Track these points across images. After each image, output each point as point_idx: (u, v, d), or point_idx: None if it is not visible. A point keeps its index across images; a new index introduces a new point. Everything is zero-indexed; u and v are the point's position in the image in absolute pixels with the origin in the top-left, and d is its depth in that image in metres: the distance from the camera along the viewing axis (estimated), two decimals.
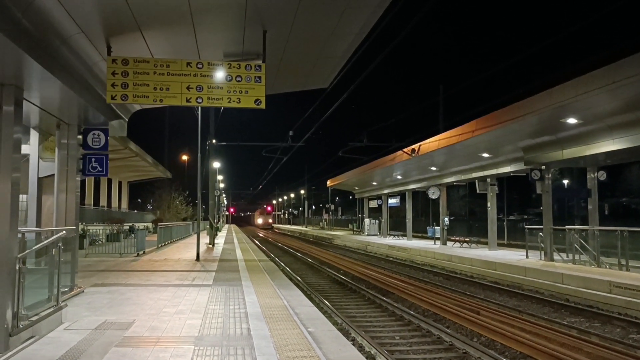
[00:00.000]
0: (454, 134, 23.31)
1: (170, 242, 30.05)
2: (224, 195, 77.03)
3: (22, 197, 10.40)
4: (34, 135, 10.97)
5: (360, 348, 9.52)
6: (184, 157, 58.83)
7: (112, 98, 8.62)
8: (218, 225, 43.14)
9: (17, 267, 6.61)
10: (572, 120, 16.19)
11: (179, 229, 36.16)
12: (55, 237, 7.65)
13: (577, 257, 18.30)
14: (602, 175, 20.18)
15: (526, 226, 22.50)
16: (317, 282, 19.40)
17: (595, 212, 19.67)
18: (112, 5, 7.35)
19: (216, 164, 32.87)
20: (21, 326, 6.64)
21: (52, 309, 7.62)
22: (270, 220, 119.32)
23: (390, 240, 38.27)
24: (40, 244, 7.70)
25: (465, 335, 10.72)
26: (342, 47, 10.27)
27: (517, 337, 9.78)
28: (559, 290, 15.42)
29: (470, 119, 21.62)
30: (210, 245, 28.71)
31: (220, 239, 38.04)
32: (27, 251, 7.18)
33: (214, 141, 31.20)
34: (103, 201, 38.42)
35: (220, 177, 47.51)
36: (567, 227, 19.62)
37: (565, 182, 41.85)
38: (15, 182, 6.94)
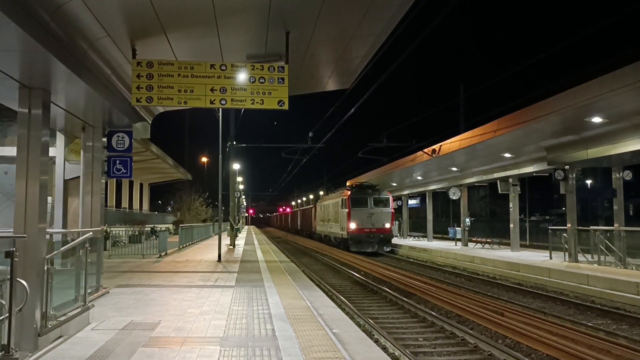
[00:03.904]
0: (475, 134, 23.13)
1: (191, 244, 30.26)
2: (243, 196, 77.33)
3: (48, 199, 10.55)
4: (60, 138, 11.13)
5: (384, 349, 9.47)
6: (204, 159, 59.22)
7: (138, 100, 8.70)
8: (238, 226, 43.32)
9: (46, 268, 6.70)
10: (596, 119, 15.95)
11: (199, 230, 36.40)
12: (82, 237, 7.74)
13: (602, 258, 18.02)
14: (628, 175, 19.86)
15: (549, 227, 22.22)
16: (339, 284, 19.36)
17: (620, 212, 19.35)
18: (138, 8, 7.41)
19: (236, 166, 33.02)
20: (50, 326, 6.73)
21: (79, 310, 7.70)
22: (388, 226, 34.30)
23: (410, 241, 38.07)
24: (68, 245, 7.81)
25: (490, 337, 10.60)
26: (364, 47, 10.24)
27: (543, 339, 9.65)
28: (584, 292, 15.19)
29: (492, 119, 21.45)
30: (231, 247, 28.85)
31: (240, 240, 38.21)
32: (55, 252, 7.29)
33: (234, 143, 31.32)
34: (125, 203, 38.80)
35: (240, 179, 47.71)
36: (592, 227, 19.35)
37: (588, 182, 41.28)
38: (43, 185, 7.05)
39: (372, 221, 33.39)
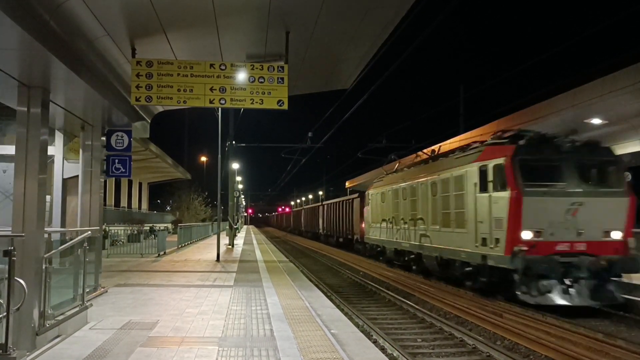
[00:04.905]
0: (475, 134, 23.14)
1: (190, 243, 30.25)
2: (242, 196, 77.27)
3: (47, 198, 10.54)
4: (59, 137, 11.12)
5: (382, 350, 9.46)
6: (203, 159, 59.25)
7: (137, 99, 8.69)
8: (237, 226, 43.32)
9: (44, 267, 6.68)
10: (596, 121, 15.96)
11: (198, 229, 36.40)
12: (81, 237, 7.72)
13: None
14: (628, 177, 19.83)
15: None
16: (337, 284, 19.33)
17: None
18: (138, 7, 7.40)
19: (235, 165, 33.01)
20: (47, 325, 6.72)
21: (77, 309, 7.69)
22: (620, 236, 12.79)
23: None
24: (67, 244, 7.79)
25: (489, 338, 10.59)
26: (364, 48, 10.25)
27: (542, 341, 9.65)
28: None
29: (492, 120, 21.47)
30: (230, 246, 28.84)
31: (239, 240, 38.18)
32: (53, 251, 7.27)
33: (233, 142, 31.30)
34: (124, 202, 38.83)
35: (239, 178, 47.71)
36: None
37: None
38: (42, 184, 7.04)
39: (578, 224, 12.92)
